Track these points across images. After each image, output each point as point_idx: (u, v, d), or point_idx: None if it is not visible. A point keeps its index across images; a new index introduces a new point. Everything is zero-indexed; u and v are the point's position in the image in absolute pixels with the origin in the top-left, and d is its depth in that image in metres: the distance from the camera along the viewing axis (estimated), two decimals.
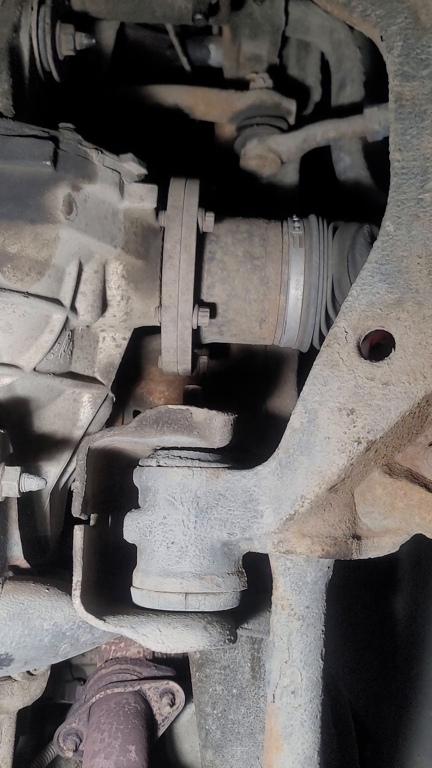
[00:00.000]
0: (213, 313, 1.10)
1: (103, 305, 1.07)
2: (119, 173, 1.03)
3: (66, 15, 1.20)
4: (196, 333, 1.10)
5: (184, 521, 0.93)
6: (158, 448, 0.99)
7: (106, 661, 1.38)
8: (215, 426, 0.95)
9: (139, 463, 0.99)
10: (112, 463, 1.06)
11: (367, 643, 1.03)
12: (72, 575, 0.93)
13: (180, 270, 1.05)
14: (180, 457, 0.95)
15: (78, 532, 0.95)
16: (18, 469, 0.93)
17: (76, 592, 0.92)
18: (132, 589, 0.97)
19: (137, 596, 0.96)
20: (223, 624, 0.95)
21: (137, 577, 0.96)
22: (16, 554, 1.00)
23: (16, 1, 1.10)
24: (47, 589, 0.97)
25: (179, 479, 0.93)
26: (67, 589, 0.96)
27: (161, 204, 1.06)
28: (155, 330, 1.11)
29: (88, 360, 1.11)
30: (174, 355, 1.10)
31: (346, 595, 1.00)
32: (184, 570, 0.93)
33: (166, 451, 0.97)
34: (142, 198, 1.04)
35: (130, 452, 1.04)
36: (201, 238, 1.07)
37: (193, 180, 1.10)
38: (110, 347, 1.13)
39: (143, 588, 0.95)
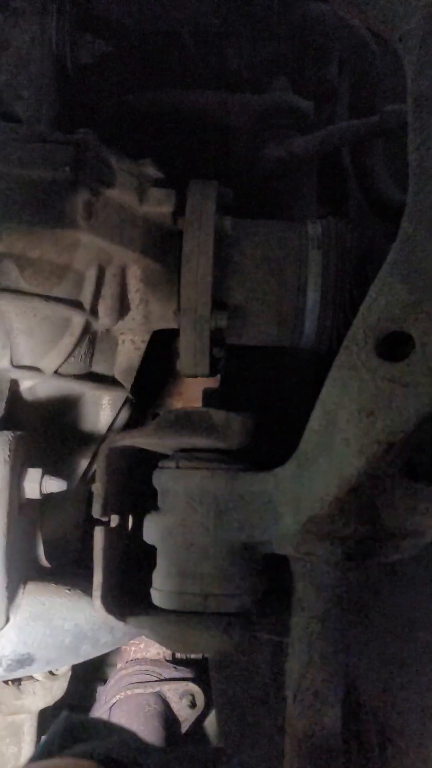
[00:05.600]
0: (231, 316, 1.10)
1: (123, 308, 1.07)
2: (138, 178, 1.03)
3: (85, 22, 1.21)
4: (215, 335, 1.10)
5: (204, 523, 0.93)
6: (177, 449, 1.00)
7: (127, 662, 1.38)
8: (234, 428, 0.95)
9: (159, 465, 0.99)
10: (132, 464, 1.06)
11: (387, 639, 1.02)
12: (93, 576, 0.94)
13: (198, 273, 1.05)
14: (199, 458, 0.96)
15: (99, 533, 0.96)
16: (40, 470, 0.94)
17: (97, 593, 0.93)
18: (152, 590, 0.97)
19: (157, 597, 0.96)
20: (242, 625, 0.95)
21: (157, 579, 0.97)
22: (38, 555, 1.01)
23: (36, 9, 1.11)
24: (68, 590, 0.98)
25: (198, 481, 0.94)
26: (88, 590, 0.97)
27: (179, 208, 1.07)
28: (177, 331, 1.12)
29: (108, 363, 1.12)
30: (192, 357, 1.10)
31: (367, 594, 0.99)
32: (203, 571, 0.93)
33: (185, 453, 0.98)
34: (160, 202, 1.05)
35: (149, 454, 1.05)
36: (219, 240, 1.08)
37: (211, 183, 1.10)
38: (130, 350, 1.14)
39: (163, 589, 0.95)
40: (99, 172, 0.99)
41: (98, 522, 0.97)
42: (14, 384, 1.04)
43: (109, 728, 0.76)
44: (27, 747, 1.17)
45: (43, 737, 0.75)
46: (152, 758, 0.72)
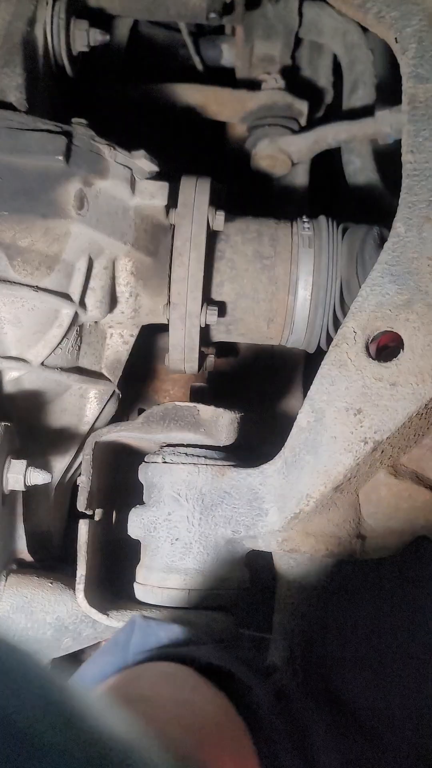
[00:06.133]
0: (221, 312, 1.10)
1: (112, 301, 1.07)
2: (131, 170, 1.03)
3: (81, 11, 1.20)
4: (204, 331, 1.10)
5: (189, 518, 0.93)
6: (164, 444, 1.00)
7: None
8: (221, 424, 0.95)
9: (145, 459, 0.99)
10: (118, 458, 1.06)
11: (372, 639, 1.02)
12: (76, 570, 0.93)
13: (189, 268, 1.05)
14: (186, 454, 0.96)
15: (83, 526, 0.95)
16: (24, 462, 0.93)
17: (80, 586, 0.92)
18: (135, 584, 0.97)
19: (140, 592, 0.96)
20: (225, 621, 0.95)
21: (140, 573, 0.97)
22: (21, 548, 1.00)
23: None
24: (51, 582, 0.97)
25: (185, 476, 0.93)
26: (70, 584, 0.96)
27: (172, 202, 1.06)
28: (163, 328, 1.11)
29: (96, 356, 1.11)
30: (181, 352, 1.10)
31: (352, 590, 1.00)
32: (187, 566, 0.93)
33: (172, 448, 0.97)
34: (153, 195, 1.04)
35: (135, 448, 1.04)
36: (211, 236, 1.07)
37: (204, 178, 1.10)
38: (118, 344, 1.13)
39: (146, 584, 0.95)
40: (91, 163, 0.98)
41: (82, 515, 0.97)
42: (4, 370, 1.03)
43: (190, 636, 0.73)
44: None
45: (126, 642, 0.71)
46: (248, 671, 0.69)
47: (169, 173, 1.07)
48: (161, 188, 1.04)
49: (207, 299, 1.08)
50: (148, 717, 0.53)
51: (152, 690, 0.61)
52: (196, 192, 1.08)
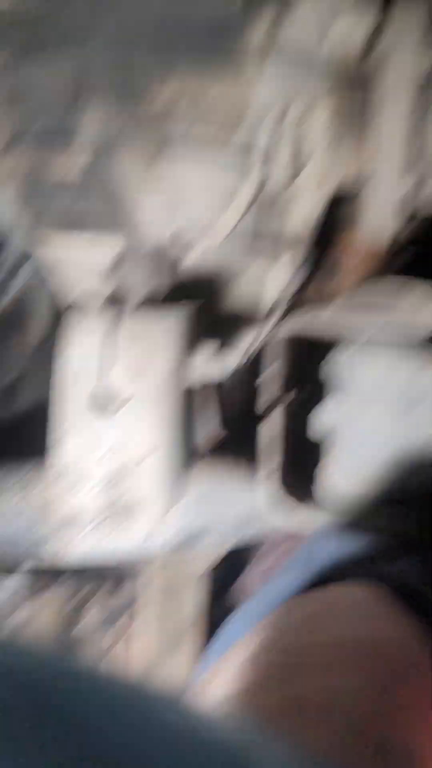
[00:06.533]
0: (427, 176, 0.96)
1: (300, 165, 0.97)
2: (323, 5, 0.88)
3: None
4: (405, 199, 0.97)
5: (384, 415, 0.86)
6: (359, 332, 0.91)
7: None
8: (426, 311, 0.84)
9: (338, 351, 0.91)
10: (305, 348, 0.99)
11: None
12: (260, 461, 0.91)
13: (391, 124, 0.91)
14: (385, 343, 0.87)
15: (270, 418, 0.91)
16: (211, 346, 0.91)
17: (266, 478, 0.90)
18: (321, 484, 0.93)
19: (326, 492, 0.92)
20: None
21: (328, 473, 0.93)
22: (205, 438, 1.00)
23: None
24: (236, 471, 0.97)
25: (383, 369, 0.85)
26: (254, 477, 0.95)
27: (373, 43, 0.90)
28: (355, 194, 1.00)
29: (280, 226, 1.04)
30: (377, 222, 0.99)
31: None
32: (378, 467, 0.87)
33: (368, 336, 0.89)
34: (349, 34, 0.89)
35: (326, 337, 0.97)
36: (420, 83, 0.92)
37: (413, 9, 0.92)
38: (304, 212, 1.05)
39: (333, 484, 0.91)
40: (276, 2, 0.86)
41: (268, 408, 0.93)
42: (184, 249, 0.99)
43: (383, 548, 0.69)
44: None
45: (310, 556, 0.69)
46: None
47: (370, 7, 0.91)
48: (359, 26, 0.88)
49: (411, 161, 0.93)
50: (328, 673, 0.48)
51: (338, 630, 0.55)
52: (403, 25, 0.90)
